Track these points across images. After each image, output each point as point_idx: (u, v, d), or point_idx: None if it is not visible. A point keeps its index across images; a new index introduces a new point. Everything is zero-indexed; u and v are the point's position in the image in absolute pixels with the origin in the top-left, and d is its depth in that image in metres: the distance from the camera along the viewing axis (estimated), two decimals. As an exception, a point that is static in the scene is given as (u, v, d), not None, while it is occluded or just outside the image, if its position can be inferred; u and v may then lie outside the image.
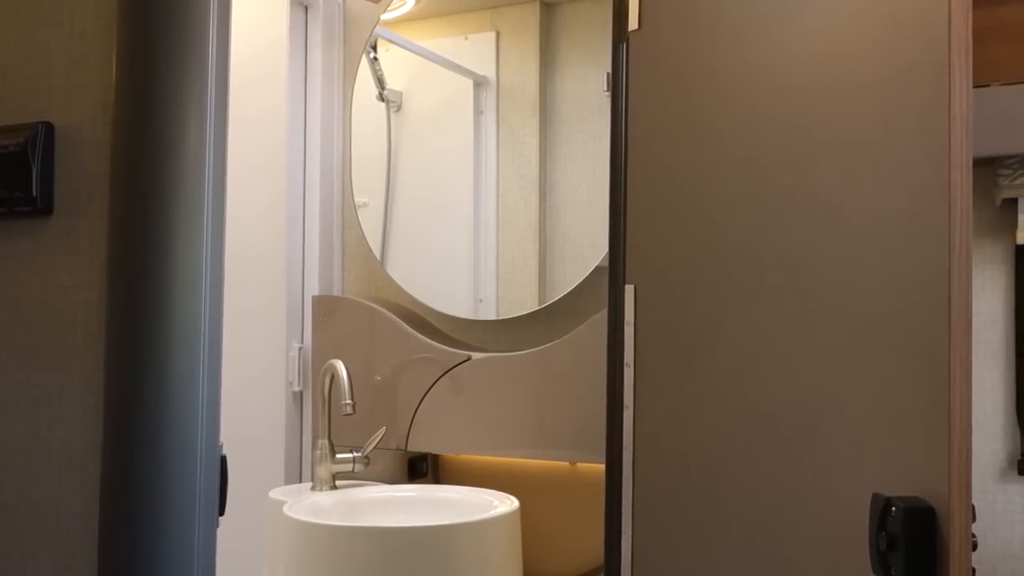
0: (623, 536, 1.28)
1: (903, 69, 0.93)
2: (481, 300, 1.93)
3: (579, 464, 1.80)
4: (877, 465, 0.90)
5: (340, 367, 1.74)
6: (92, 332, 0.99)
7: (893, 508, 0.81)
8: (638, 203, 1.27)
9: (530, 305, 1.88)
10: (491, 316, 1.91)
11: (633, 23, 1.28)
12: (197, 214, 0.96)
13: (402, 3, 2.02)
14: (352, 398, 1.72)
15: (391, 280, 2.00)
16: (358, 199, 2.05)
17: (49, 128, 1.02)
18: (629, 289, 1.27)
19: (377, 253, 2.02)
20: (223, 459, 0.99)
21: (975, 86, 1.46)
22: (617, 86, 1.31)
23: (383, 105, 2.03)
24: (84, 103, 1.01)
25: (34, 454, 1.00)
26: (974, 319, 1.86)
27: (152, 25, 0.97)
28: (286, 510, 1.55)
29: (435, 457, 1.98)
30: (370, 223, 2.03)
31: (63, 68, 1.02)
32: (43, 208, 1.01)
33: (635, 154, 1.28)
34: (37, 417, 1.00)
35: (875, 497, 0.86)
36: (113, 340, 0.94)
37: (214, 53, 0.99)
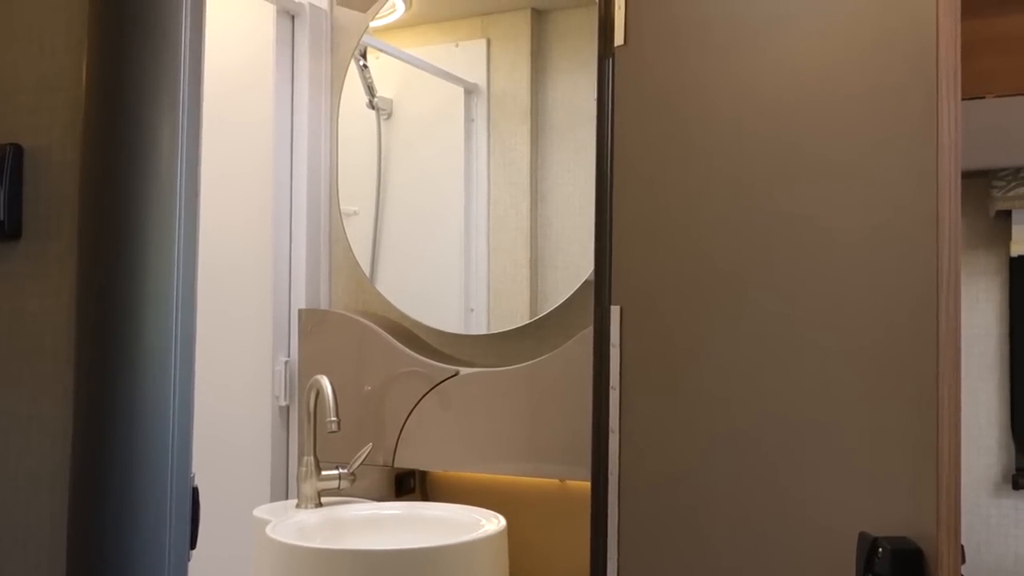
0: (609, 560, 1.26)
1: (891, 87, 0.91)
2: (472, 310, 1.91)
3: (568, 481, 1.78)
4: (864, 500, 0.87)
5: (325, 383, 1.72)
6: (61, 359, 0.96)
7: (880, 549, 0.79)
8: (624, 222, 1.25)
9: (521, 316, 1.85)
10: (482, 326, 1.89)
11: (619, 39, 1.26)
12: (168, 238, 0.94)
13: (391, 11, 1.99)
14: (337, 415, 1.69)
15: (378, 293, 1.98)
16: (348, 207, 2.02)
17: (18, 150, 0.99)
18: (615, 310, 1.25)
19: (367, 262, 2.00)
20: (195, 490, 0.97)
21: (968, 98, 1.44)
22: (603, 102, 1.28)
23: (373, 113, 2.01)
24: (53, 124, 0.99)
25: (1, 484, 0.98)
26: (968, 331, 1.84)
27: (123, 42, 0.94)
28: (269, 531, 1.52)
29: (423, 473, 1.96)
30: (360, 231, 2.01)
31: (32, 88, 1.00)
32: (11, 232, 0.98)
33: (621, 172, 1.25)
34: (5, 446, 0.98)
35: (862, 537, 0.83)
36: (82, 367, 0.92)
37: (186, 71, 0.96)
